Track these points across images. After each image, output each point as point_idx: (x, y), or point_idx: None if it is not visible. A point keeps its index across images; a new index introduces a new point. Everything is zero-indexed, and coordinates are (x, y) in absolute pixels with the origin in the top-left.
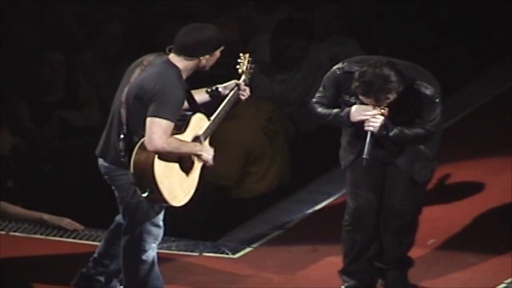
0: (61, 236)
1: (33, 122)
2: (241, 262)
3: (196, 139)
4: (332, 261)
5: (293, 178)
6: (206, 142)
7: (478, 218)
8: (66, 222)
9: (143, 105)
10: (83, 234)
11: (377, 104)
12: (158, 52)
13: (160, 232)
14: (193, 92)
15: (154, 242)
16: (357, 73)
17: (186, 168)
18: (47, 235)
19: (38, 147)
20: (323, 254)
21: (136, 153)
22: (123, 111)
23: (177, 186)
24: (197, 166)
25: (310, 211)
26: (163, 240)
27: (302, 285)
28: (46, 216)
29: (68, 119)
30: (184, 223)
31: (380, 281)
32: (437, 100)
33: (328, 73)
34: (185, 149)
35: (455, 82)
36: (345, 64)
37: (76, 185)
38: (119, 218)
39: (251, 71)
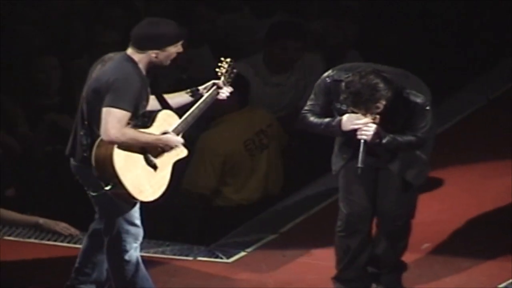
0: (55, 241)
1: (28, 126)
2: (235, 266)
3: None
4: (326, 265)
5: (287, 182)
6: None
7: (472, 222)
8: (62, 226)
9: (101, 98)
10: (78, 238)
11: (367, 113)
12: None
13: (139, 231)
14: (174, 94)
15: (135, 242)
16: (343, 84)
17: (154, 163)
18: (42, 239)
19: (32, 151)
20: (317, 258)
21: (97, 145)
22: (84, 107)
23: (143, 181)
24: (167, 162)
25: (304, 215)
26: (157, 244)
27: None
28: (41, 221)
29: (59, 121)
30: (178, 227)
31: (374, 285)
32: (427, 108)
33: (319, 81)
34: (145, 139)
35: (450, 86)
36: (334, 72)
37: (72, 189)
38: (94, 224)
39: (232, 74)
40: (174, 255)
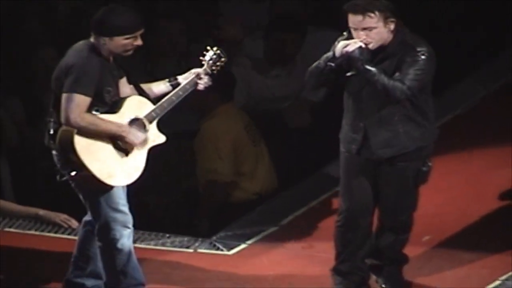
0: (56, 233)
1: (26, 118)
2: (236, 258)
3: (135, 121)
4: (327, 258)
5: (287, 175)
6: (153, 125)
7: (473, 215)
8: (62, 218)
9: (62, 85)
10: (78, 230)
11: (363, 15)
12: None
13: (127, 218)
14: (152, 84)
15: (125, 229)
16: None
17: (124, 148)
18: (42, 231)
19: (30, 142)
20: (318, 251)
21: (61, 131)
22: (52, 96)
23: (112, 165)
24: (140, 148)
25: (305, 207)
26: (158, 237)
27: (297, 282)
28: (41, 212)
29: None
30: (179, 220)
31: (374, 277)
32: (423, 56)
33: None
34: (105, 126)
35: (450, 77)
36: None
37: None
38: (86, 216)
39: (218, 63)
40: (175, 247)
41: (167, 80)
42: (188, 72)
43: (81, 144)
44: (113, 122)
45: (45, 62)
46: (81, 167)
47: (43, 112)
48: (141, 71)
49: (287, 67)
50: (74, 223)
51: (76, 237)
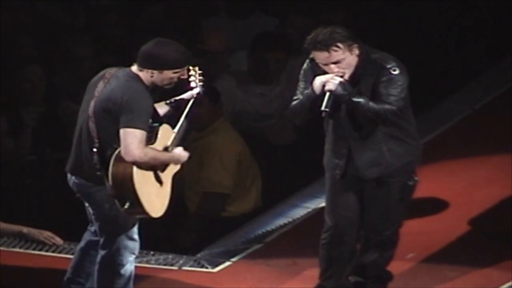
0: (40, 250)
1: (10, 135)
2: (220, 276)
3: (166, 150)
4: (311, 275)
5: (272, 192)
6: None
7: (458, 232)
8: (46, 235)
9: (113, 117)
10: (63, 248)
11: (328, 51)
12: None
13: (136, 246)
14: (157, 105)
15: (131, 256)
16: None
17: (160, 179)
18: (27, 248)
19: (14, 160)
20: (302, 268)
21: (113, 165)
22: (91, 125)
23: (154, 197)
24: (169, 176)
25: (289, 225)
26: (142, 254)
27: None
28: (25, 229)
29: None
30: (163, 237)
31: None
32: (395, 72)
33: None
34: (163, 158)
35: (436, 95)
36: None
37: (56, 198)
38: (87, 235)
39: (203, 83)
40: (159, 264)
41: (167, 101)
42: (188, 93)
43: (139, 180)
44: (165, 152)
45: (32, 81)
46: (134, 201)
47: (25, 128)
48: None
49: (271, 86)
50: (58, 241)
51: (60, 255)
